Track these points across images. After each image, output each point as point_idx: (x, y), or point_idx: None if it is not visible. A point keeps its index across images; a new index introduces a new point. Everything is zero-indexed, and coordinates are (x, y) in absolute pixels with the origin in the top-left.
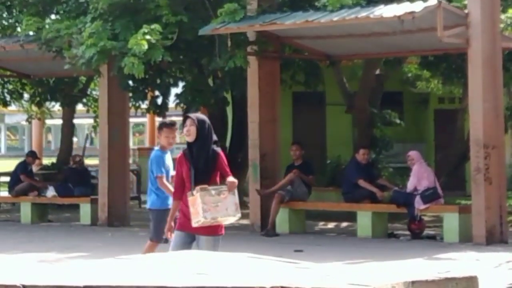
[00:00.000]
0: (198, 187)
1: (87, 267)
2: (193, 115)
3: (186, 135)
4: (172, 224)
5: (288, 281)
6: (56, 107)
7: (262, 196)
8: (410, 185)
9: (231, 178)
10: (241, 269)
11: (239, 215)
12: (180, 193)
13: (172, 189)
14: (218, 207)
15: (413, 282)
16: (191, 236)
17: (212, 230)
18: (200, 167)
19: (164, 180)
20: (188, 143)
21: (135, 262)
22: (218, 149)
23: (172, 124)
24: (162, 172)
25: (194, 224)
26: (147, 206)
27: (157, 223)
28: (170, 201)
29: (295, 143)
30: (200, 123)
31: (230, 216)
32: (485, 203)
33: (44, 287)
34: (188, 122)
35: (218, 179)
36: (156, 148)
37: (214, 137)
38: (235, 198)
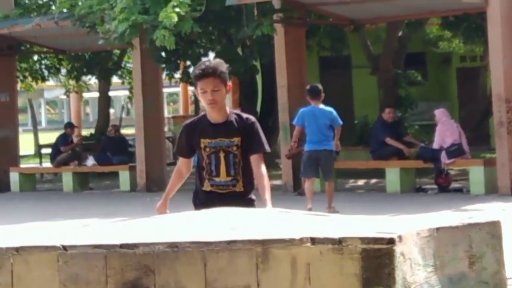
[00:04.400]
0: None
1: (124, 227)
2: None
3: None
4: None
5: (317, 232)
6: (93, 80)
7: (288, 158)
8: (435, 145)
9: None
10: (272, 222)
11: None
12: None
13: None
14: None
15: (437, 229)
16: None
17: None
18: None
19: (296, 130)
20: None
21: (170, 220)
22: None
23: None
24: (298, 123)
25: None
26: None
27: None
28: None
29: None
30: None
31: None
32: (508, 155)
33: (83, 246)
34: None
35: None
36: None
37: None
38: None
